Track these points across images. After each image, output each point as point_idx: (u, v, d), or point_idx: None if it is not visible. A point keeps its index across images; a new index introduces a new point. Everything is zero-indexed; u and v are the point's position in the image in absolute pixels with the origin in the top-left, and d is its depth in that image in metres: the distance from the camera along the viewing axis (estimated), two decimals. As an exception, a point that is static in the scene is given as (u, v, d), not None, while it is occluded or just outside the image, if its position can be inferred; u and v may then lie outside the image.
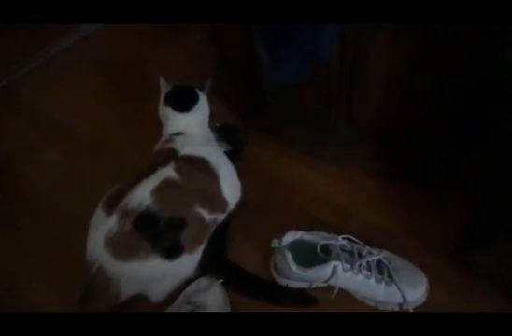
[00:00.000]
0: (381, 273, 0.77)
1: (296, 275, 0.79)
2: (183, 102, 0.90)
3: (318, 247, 0.79)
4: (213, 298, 0.78)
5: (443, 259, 0.84)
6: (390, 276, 0.77)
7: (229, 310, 0.79)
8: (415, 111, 0.90)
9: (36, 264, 0.94)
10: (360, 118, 0.96)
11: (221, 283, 0.80)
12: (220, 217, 0.86)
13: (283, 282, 0.83)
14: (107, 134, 1.21)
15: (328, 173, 1.02)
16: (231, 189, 0.87)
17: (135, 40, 1.47)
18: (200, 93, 0.92)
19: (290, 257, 0.78)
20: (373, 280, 0.77)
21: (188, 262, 0.79)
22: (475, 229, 0.83)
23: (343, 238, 0.80)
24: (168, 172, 0.79)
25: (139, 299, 0.79)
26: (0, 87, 1.41)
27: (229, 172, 0.89)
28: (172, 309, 0.76)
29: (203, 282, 0.80)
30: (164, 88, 0.93)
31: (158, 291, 0.80)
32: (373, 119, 0.95)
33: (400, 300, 0.77)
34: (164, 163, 0.80)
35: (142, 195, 0.75)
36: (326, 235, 0.82)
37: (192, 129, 0.89)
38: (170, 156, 0.83)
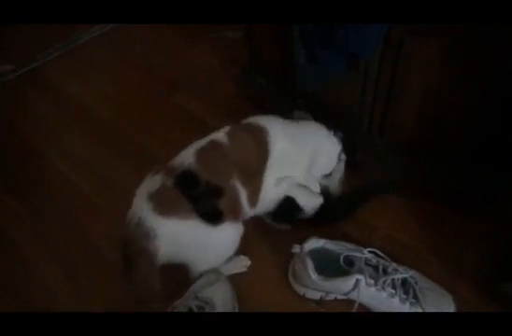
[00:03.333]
0: (406, 293, 0.72)
1: (315, 284, 0.75)
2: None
3: (341, 258, 0.75)
4: (219, 294, 0.75)
5: (470, 284, 0.79)
6: (415, 297, 0.72)
7: (236, 306, 0.77)
8: (452, 127, 0.85)
9: (51, 251, 0.93)
10: (393, 128, 0.92)
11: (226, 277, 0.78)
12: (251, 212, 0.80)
13: (300, 290, 0.78)
14: (126, 121, 1.19)
15: (354, 183, 0.97)
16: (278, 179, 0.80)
17: (167, 33, 1.46)
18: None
19: (310, 264, 0.73)
20: (397, 299, 0.72)
21: (228, 233, 0.76)
22: (507, 258, 0.78)
23: (369, 251, 0.75)
24: (218, 134, 0.79)
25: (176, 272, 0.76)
26: (31, 68, 1.42)
27: (286, 158, 0.80)
28: (179, 303, 0.73)
29: (210, 277, 0.78)
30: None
31: (198, 263, 0.78)
32: (407, 131, 0.90)
33: (423, 323, 0.71)
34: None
35: (187, 153, 0.75)
36: (350, 246, 0.77)
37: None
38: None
